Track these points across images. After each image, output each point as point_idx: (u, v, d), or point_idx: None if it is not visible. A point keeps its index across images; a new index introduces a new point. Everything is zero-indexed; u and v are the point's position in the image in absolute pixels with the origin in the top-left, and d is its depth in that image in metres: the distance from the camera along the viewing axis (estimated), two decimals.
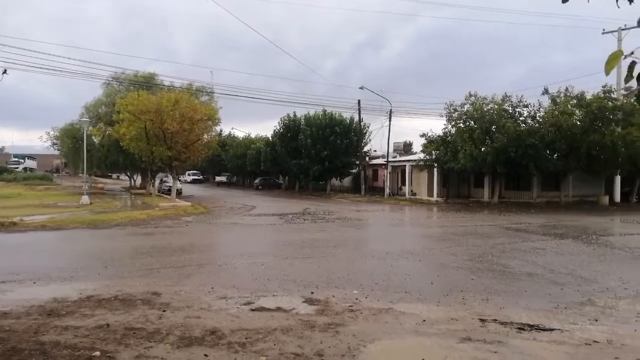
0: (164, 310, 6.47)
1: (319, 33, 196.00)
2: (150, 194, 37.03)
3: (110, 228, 16.93)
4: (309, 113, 44.72)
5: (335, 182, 47.80)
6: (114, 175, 78.50)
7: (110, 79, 40.27)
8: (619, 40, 31.55)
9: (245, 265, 10.18)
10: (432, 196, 35.01)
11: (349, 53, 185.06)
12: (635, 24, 3.45)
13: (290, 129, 44.92)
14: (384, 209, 28.88)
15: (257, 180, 55.75)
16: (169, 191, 34.68)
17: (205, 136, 31.91)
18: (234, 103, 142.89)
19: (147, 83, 38.36)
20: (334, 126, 42.46)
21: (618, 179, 32.71)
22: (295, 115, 45.62)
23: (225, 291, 7.66)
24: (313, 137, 41.87)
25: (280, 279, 8.71)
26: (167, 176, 39.38)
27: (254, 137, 59.90)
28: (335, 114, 43.72)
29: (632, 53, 3.14)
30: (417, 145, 43.48)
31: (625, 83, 3.33)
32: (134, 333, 5.51)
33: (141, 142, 29.41)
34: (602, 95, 28.48)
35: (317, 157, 41.89)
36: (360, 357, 4.87)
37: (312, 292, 7.63)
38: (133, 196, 36.84)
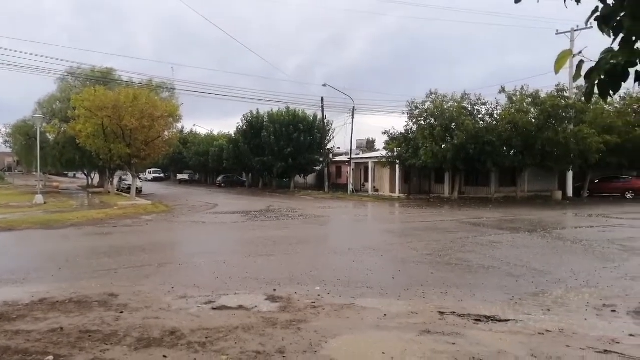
0: (122, 312, 6.30)
1: (282, 30, 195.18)
2: (109, 192, 36.02)
3: (65, 228, 16.36)
4: (272, 110, 44.53)
5: (299, 179, 47.78)
6: (71, 174, 76.03)
7: (66, 74, 38.87)
8: (572, 40, 32.76)
9: (206, 263, 10.05)
10: (394, 192, 35.49)
11: (313, 51, 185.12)
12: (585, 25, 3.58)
13: (254, 126, 44.56)
14: (347, 205, 29.08)
15: (219, 178, 55.07)
16: (128, 189, 33.81)
17: (166, 133, 31.23)
18: (196, 100, 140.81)
19: (104, 79, 37.22)
20: (298, 123, 42.38)
21: (570, 174, 34.04)
22: (258, 112, 45.28)
23: (186, 290, 7.53)
24: (276, 134, 41.68)
25: (242, 276, 8.63)
26: (126, 174, 38.34)
27: (216, 134, 59.17)
28: (299, 111, 43.67)
29: (580, 52, 3.26)
30: (380, 142, 43.95)
31: (574, 81, 3.49)
32: (90, 336, 5.34)
33: (98, 139, 28.53)
34: (556, 93, 29.56)
35: (281, 154, 41.74)
36: (322, 353, 4.89)
37: (275, 290, 7.60)
38: (90, 195, 35.75)
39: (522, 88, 30.82)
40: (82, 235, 14.88)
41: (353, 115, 40.28)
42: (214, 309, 6.54)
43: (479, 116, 31.18)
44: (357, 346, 5.22)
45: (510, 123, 28.58)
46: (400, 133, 33.48)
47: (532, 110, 29.78)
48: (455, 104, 30.78)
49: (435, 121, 30.65)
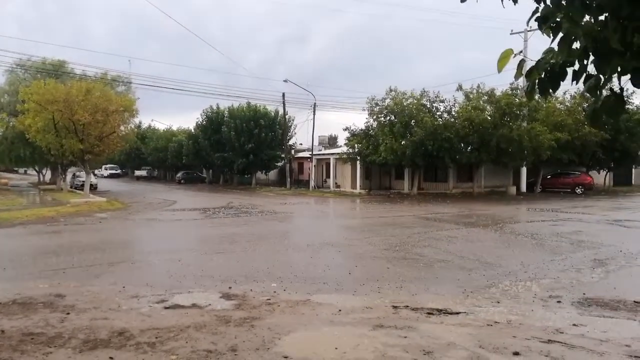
0: (68, 313, 6.07)
1: (244, 25, 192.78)
2: (62, 189, 34.70)
3: (13, 227, 15.66)
4: (232, 105, 44.02)
5: (261, 175, 47.42)
6: (21, 170, 72.92)
7: (15, 66, 37.08)
8: (525, 40, 33.71)
9: (161, 262, 9.83)
10: (355, 188, 35.77)
11: (274, 46, 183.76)
12: (526, 25, 3.69)
13: (213, 122, 43.93)
14: (309, 201, 29.11)
15: (179, 174, 54.03)
16: (82, 186, 32.68)
17: (121, 128, 30.35)
18: (155, 94, 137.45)
19: (56, 71, 35.74)
20: (259, 119, 42.05)
21: (524, 170, 35.20)
22: (218, 108, 44.68)
23: (138, 290, 7.34)
24: (237, 129, 41.23)
25: (197, 274, 8.49)
26: (80, 170, 37.06)
27: (175, 129, 57.95)
28: (260, 106, 43.35)
29: (521, 52, 3.35)
30: (342, 138, 44.21)
31: (515, 80, 3.56)
32: (32, 339, 5.12)
33: (49, 134, 27.38)
34: (510, 92, 30.44)
35: (242, 150, 41.33)
36: (274, 350, 4.86)
37: (230, 287, 7.51)
38: (42, 192, 34.35)
39: (479, 86, 31.61)
40: (30, 234, 14.27)
41: (314, 112, 40.38)
42: (166, 308, 6.40)
43: (438, 113, 31.74)
44: (311, 342, 5.22)
45: (467, 120, 29.24)
46: (361, 129, 33.69)
47: (488, 108, 30.56)
48: (415, 101, 31.24)
49: (395, 118, 31.04)
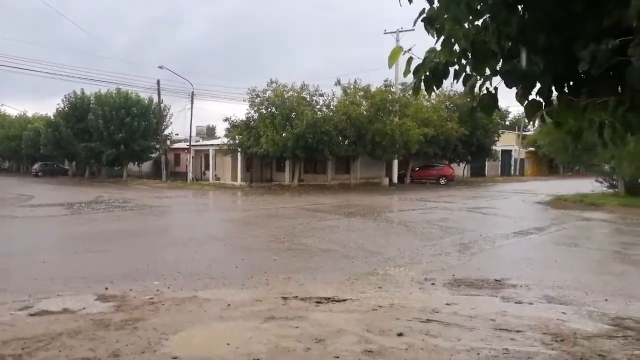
0: None
1: (112, 3, 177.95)
2: None
3: None
4: (100, 91, 40.65)
5: (133, 167, 44.51)
6: None
7: None
8: (397, 40, 35.99)
9: (20, 264, 8.77)
10: (236, 180, 35.28)
11: (147, 28, 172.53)
12: (413, 25, 3.90)
13: (78, 108, 40.20)
14: (187, 194, 28.08)
15: (36, 166, 48.56)
16: None
17: None
18: (5, 75, 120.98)
19: None
20: (130, 107, 39.36)
21: (396, 162, 37.67)
22: (83, 93, 40.95)
23: None
24: (105, 117, 38.15)
25: (66, 276, 7.71)
26: None
27: (31, 116, 52.01)
28: (132, 93, 40.59)
29: (410, 50, 3.52)
30: (221, 129, 43.19)
31: (404, 76, 3.71)
32: None
33: None
34: (384, 88, 32.29)
35: (111, 140, 38.39)
36: (162, 351, 4.60)
37: (107, 288, 6.94)
38: None
39: (355, 82, 32.99)
40: None
41: (192, 101, 38.87)
42: (31, 315, 5.72)
43: (317, 107, 32.51)
44: (200, 340, 5.04)
45: (344, 114, 30.38)
46: (242, 121, 33.22)
47: (364, 103, 32.07)
48: (295, 94, 31.63)
49: (276, 110, 31.15)
